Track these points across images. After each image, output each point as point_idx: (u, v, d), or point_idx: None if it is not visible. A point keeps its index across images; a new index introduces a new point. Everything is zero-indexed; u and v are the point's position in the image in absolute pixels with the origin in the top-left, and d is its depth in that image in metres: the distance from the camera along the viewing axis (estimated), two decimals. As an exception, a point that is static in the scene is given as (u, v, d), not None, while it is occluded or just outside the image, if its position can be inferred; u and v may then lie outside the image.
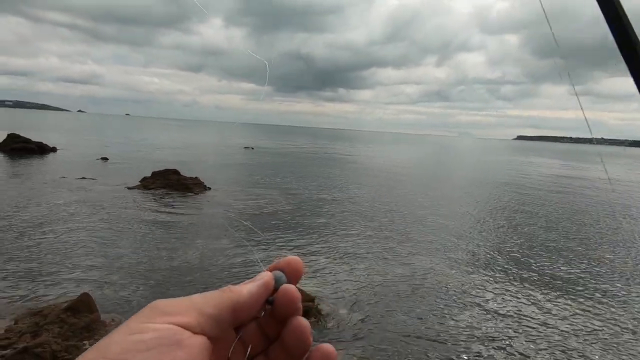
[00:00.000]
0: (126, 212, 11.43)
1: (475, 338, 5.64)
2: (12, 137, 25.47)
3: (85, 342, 4.72)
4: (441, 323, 5.99)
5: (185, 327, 0.40)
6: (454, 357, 5.11)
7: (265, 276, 0.48)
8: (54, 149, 26.12)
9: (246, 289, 0.46)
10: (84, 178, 16.54)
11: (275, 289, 0.48)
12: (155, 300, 0.41)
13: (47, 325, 4.79)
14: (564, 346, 5.55)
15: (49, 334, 4.58)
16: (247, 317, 0.46)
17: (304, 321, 0.47)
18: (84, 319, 4.98)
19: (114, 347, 0.37)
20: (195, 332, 0.40)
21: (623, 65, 0.68)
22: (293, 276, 0.49)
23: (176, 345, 0.38)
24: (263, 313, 0.48)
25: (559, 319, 6.35)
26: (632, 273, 8.68)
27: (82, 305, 5.11)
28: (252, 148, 43.46)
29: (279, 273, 0.49)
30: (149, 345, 0.37)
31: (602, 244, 11.15)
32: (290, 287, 0.47)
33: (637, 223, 14.33)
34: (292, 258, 0.51)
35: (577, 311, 6.68)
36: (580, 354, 5.35)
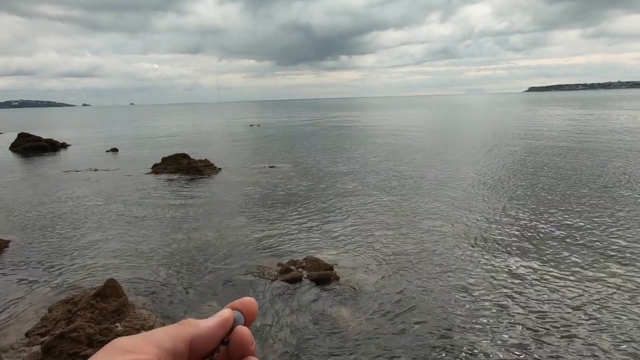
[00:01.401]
0: (141, 199, 11.64)
1: (491, 298, 5.71)
2: (23, 137, 25.85)
3: (117, 324, 4.94)
4: (458, 284, 6.06)
5: None
6: (467, 316, 5.19)
7: (226, 313, 0.50)
8: (64, 145, 26.47)
9: (204, 323, 0.48)
10: (97, 170, 16.81)
11: (232, 328, 0.49)
12: (115, 339, 0.43)
13: (79, 312, 5.01)
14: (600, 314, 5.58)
15: (82, 319, 4.79)
16: (203, 351, 0.47)
17: None
18: (113, 303, 5.18)
19: None
20: None
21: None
22: (248, 317, 0.51)
23: None
24: (217, 354, 0.49)
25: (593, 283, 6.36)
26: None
27: (110, 291, 5.30)
28: (259, 125, 43.35)
29: (237, 313, 0.50)
30: None
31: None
32: (244, 330, 0.49)
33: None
34: (247, 299, 0.52)
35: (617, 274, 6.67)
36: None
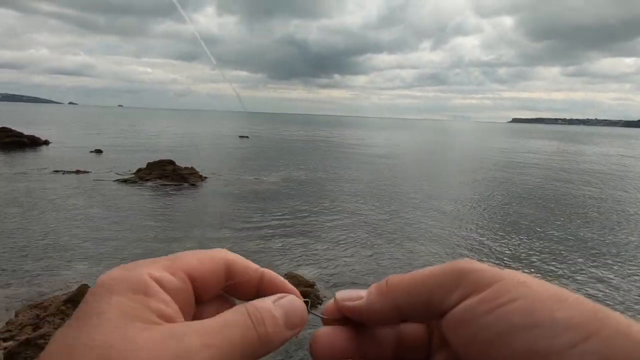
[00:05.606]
0: (122, 205, 11.39)
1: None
2: (4, 131, 25.15)
3: (86, 332, 4.76)
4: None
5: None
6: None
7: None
8: (46, 142, 25.84)
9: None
10: (78, 171, 16.42)
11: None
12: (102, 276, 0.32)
13: (47, 317, 4.82)
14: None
15: (50, 325, 4.61)
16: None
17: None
18: (84, 310, 5.00)
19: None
20: None
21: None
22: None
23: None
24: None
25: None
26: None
27: (82, 297, 5.12)
28: (247, 137, 43.25)
29: None
30: None
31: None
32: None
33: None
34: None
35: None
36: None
